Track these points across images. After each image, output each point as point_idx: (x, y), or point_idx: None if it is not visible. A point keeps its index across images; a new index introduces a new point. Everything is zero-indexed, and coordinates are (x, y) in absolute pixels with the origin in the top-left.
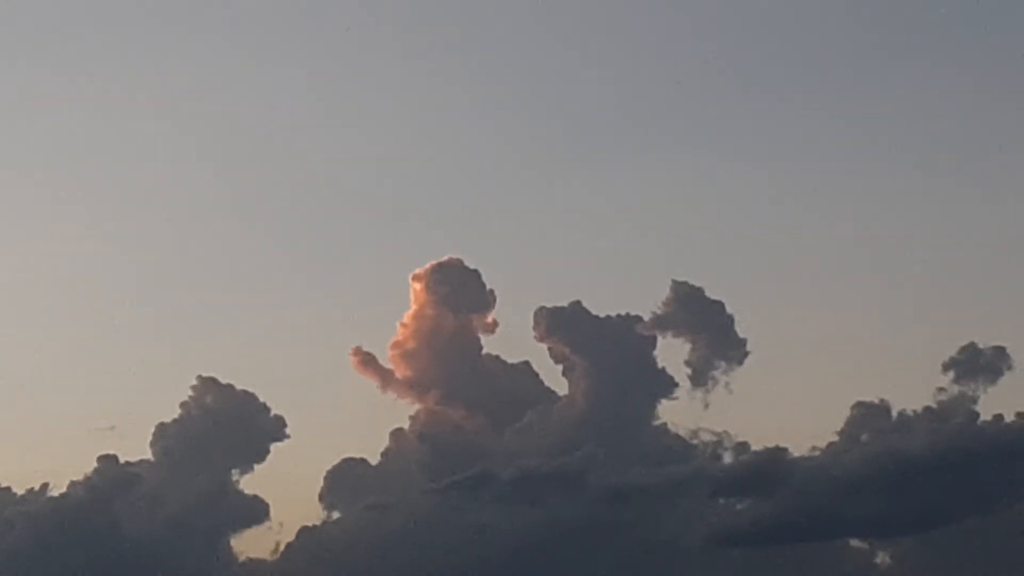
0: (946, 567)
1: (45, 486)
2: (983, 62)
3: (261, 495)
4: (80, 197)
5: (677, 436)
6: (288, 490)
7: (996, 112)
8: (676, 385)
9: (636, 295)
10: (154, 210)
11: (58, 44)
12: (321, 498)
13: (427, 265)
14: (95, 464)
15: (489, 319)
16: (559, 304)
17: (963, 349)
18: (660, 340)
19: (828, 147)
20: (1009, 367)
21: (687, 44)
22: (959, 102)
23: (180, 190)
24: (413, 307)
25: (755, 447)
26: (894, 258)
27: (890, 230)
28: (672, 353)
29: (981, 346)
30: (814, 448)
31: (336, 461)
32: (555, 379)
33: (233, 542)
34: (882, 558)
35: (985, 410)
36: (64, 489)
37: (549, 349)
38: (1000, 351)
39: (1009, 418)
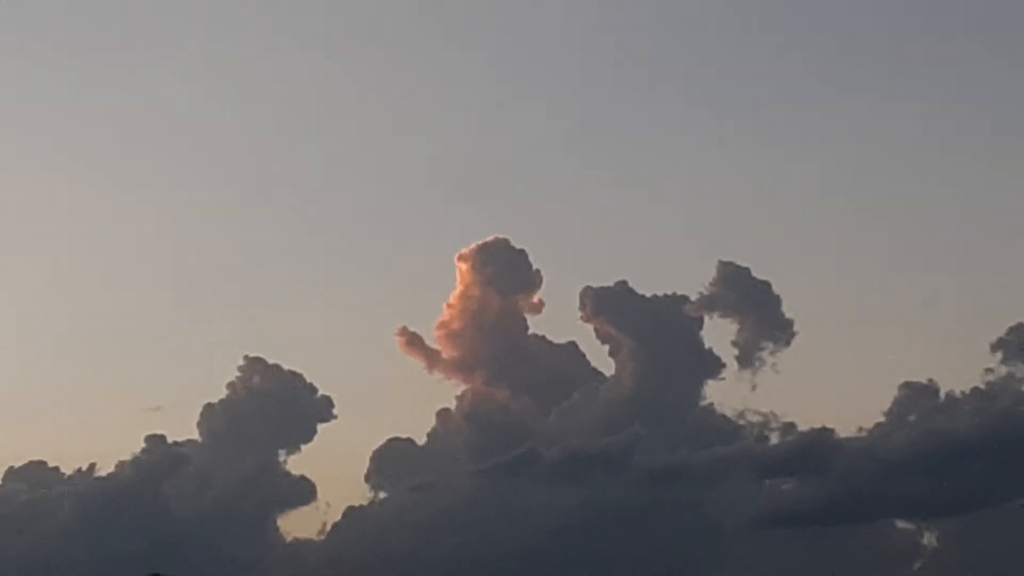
0: (993, 548)
1: (93, 466)
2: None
3: (308, 475)
4: (127, 180)
5: (724, 417)
6: (335, 470)
7: None
8: (723, 366)
9: (682, 275)
10: (202, 193)
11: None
12: (367, 478)
13: (473, 245)
14: (143, 444)
15: (535, 299)
16: (605, 284)
17: (1012, 329)
18: (707, 320)
19: (875, 128)
20: None
21: (734, 25)
22: (1009, 81)
23: (229, 173)
24: (459, 287)
25: (802, 428)
26: (943, 238)
27: (939, 211)
28: (719, 333)
29: None
30: (861, 429)
31: (382, 441)
32: (601, 359)
33: (280, 522)
34: (928, 539)
35: None
36: (112, 469)
37: (595, 329)
38: None
39: None
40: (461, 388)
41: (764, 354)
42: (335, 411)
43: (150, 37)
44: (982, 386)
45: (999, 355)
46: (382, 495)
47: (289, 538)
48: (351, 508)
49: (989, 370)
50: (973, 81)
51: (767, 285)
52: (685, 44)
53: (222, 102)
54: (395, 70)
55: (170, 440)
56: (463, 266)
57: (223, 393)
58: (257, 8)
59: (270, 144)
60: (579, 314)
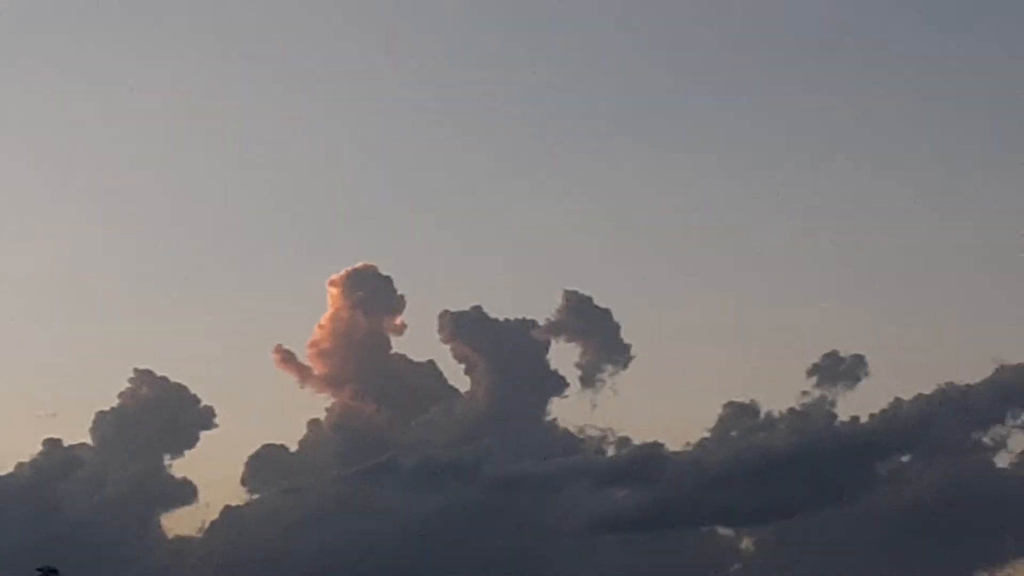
0: (804, 552)
1: None
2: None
3: (190, 478)
4: (23, 196)
5: (566, 431)
6: (214, 474)
7: (870, 128)
8: (567, 385)
9: (532, 302)
10: (95, 213)
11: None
12: (244, 481)
13: (343, 271)
14: (40, 447)
15: (398, 321)
16: (462, 309)
17: (826, 356)
18: (553, 344)
19: (702, 167)
20: (866, 374)
21: (571, 62)
22: (850, 113)
23: (121, 193)
24: (330, 310)
25: (635, 442)
26: (763, 271)
27: (758, 245)
28: (564, 356)
29: (842, 354)
30: (688, 443)
31: (258, 448)
32: (457, 377)
33: (164, 520)
34: (746, 543)
35: (843, 412)
36: (11, 469)
37: (452, 350)
38: (859, 359)
39: (864, 420)
40: (330, 401)
41: (604, 375)
42: (216, 420)
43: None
44: (797, 407)
45: (814, 379)
46: (256, 496)
47: (171, 535)
48: (228, 508)
49: (805, 392)
50: (793, 118)
51: (608, 313)
52: (530, 80)
53: (108, 122)
54: (275, 105)
55: (66, 444)
56: (334, 290)
57: (115, 402)
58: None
59: (158, 168)
60: (438, 336)
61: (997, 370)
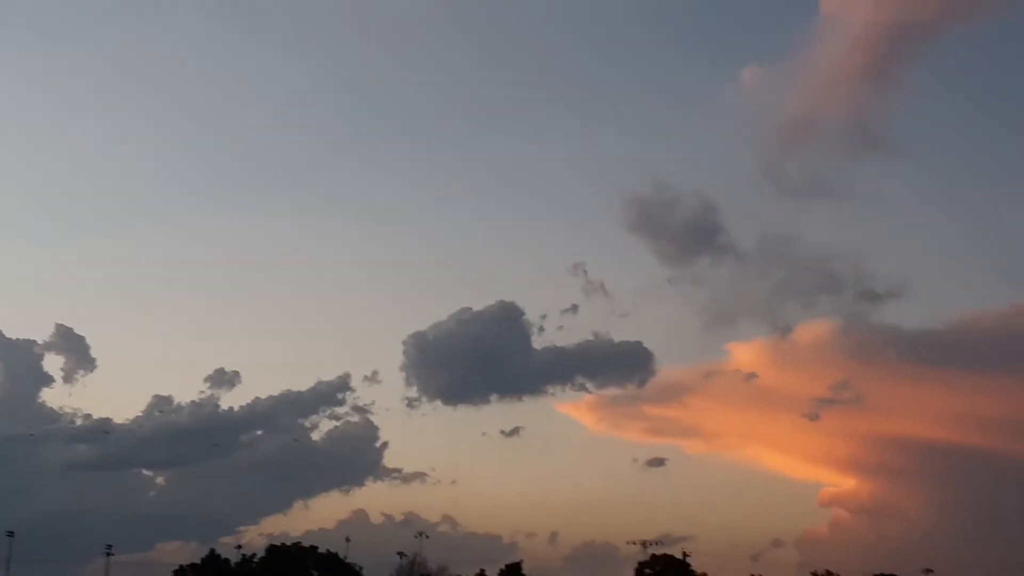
0: (195, 486)
1: None
2: None
3: None
4: None
5: (52, 409)
6: None
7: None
8: (54, 381)
9: (33, 329)
10: None
11: None
12: None
13: None
14: None
15: None
16: None
17: (216, 370)
18: (47, 355)
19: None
20: (239, 381)
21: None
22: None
23: None
24: None
25: (95, 417)
26: (190, 310)
27: (190, 288)
28: (53, 363)
29: (227, 369)
30: (127, 419)
31: None
32: None
33: None
34: (160, 480)
35: (224, 404)
36: None
37: None
38: (236, 373)
39: (236, 409)
40: None
41: (79, 376)
42: None
43: None
44: (198, 400)
45: (208, 383)
46: None
47: None
48: None
49: (202, 391)
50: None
51: (83, 338)
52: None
53: None
54: None
55: None
56: None
57: None
58: None
59: None
60: None
61: (317, 383)
